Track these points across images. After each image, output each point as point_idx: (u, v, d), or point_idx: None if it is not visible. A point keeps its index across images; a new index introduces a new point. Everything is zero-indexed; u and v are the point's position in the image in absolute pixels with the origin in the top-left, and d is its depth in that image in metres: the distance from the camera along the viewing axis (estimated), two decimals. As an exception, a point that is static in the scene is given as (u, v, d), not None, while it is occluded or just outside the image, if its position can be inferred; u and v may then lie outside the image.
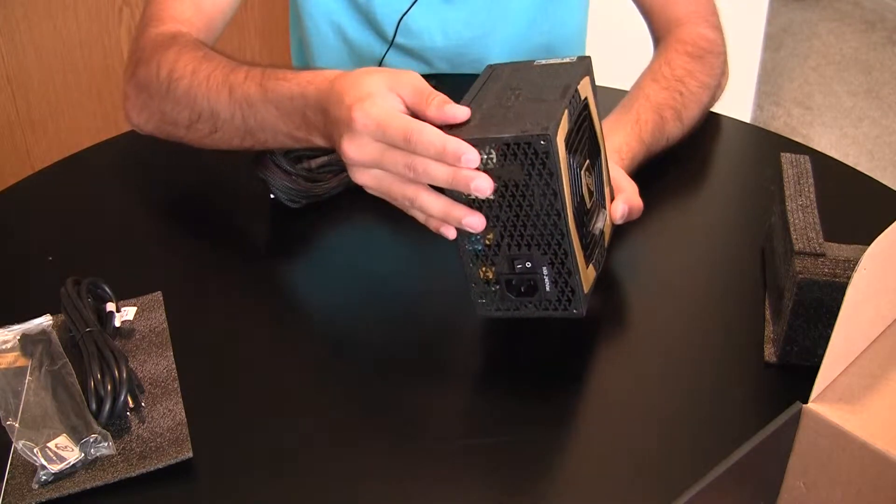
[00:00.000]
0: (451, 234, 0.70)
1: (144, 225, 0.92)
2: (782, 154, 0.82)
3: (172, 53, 0.89)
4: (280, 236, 0.90)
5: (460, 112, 0.68)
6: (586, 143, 0.73)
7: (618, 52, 1.65)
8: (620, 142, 0.88)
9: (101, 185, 0.98)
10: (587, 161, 0.73)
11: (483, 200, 0.68)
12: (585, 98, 0.73)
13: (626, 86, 1.01)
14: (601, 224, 0.75)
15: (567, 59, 0.75)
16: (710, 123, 1.01)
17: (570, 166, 0.68)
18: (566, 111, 0.68)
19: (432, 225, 0.71)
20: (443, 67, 1.15)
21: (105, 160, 1.02)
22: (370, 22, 1.12)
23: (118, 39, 1.89)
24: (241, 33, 2.01)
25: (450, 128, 0.68)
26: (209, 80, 0.85)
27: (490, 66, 0.77)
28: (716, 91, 1.01)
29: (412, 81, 0.70)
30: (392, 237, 0.89)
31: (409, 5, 1.08)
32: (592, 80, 0.75)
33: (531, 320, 0.74)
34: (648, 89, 0.95)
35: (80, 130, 1.93)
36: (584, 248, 0.71)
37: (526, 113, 0.67)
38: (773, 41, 3.08)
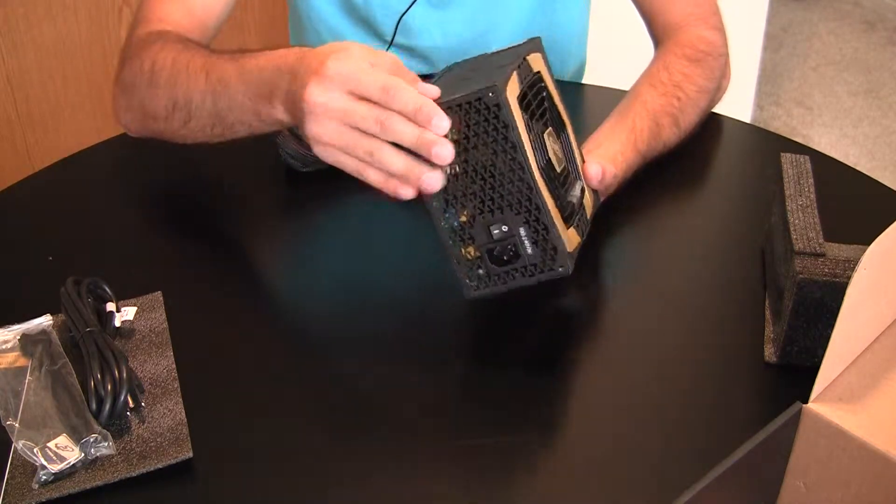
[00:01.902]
0: (408, 193, 0.69)
1: (144, 225, 0.92)
2: (782, 154, 0.82)
3: (157, 47, 0.90)
4: (280, 236, 0.90)
5: (432, 89, 0.69)
6: (546, 113, 0.74)
7: (619, 53, 1.65)
8: (615, 150, 0.87)
9: (101, 185, 0.98)
10: (549, 129, 0.74)
11: (452, 174, 0.69)
12: (538, 72, 0.75)
13: (627, 86, 1.00)
14: (577, 192, 0.76)
15: (518, 43, 0.78)
16: (710, 124, 1.01)
17: (528, 125, 0.70)
18: (514, 73, 0.70)
19: (390, 187, 0.69)
20: (442, 67, 1.15)
21: (105, 160, 1.02)
22: (368, 22, 1.12)
23: (118, 39, 1.89)
24: (240, 33, 2.01)
25: None
26: (188, 67, 0.85)
27: (448, 66, 0.80)
28: (715, 94, 1.01)
29: (391, 56, 0.71)
30: (392, 238, 0.90)
31: (408, 5, 1.08)
32: (546, 59, 0.77)
33: (532, 319, 0.74)
34: (646, 95, 0.95)
35: (80, 130, 1.93)
36: (562, 210, 0.72)
37: (477, 79, 0.70)
38: (773, 41, 3.08)
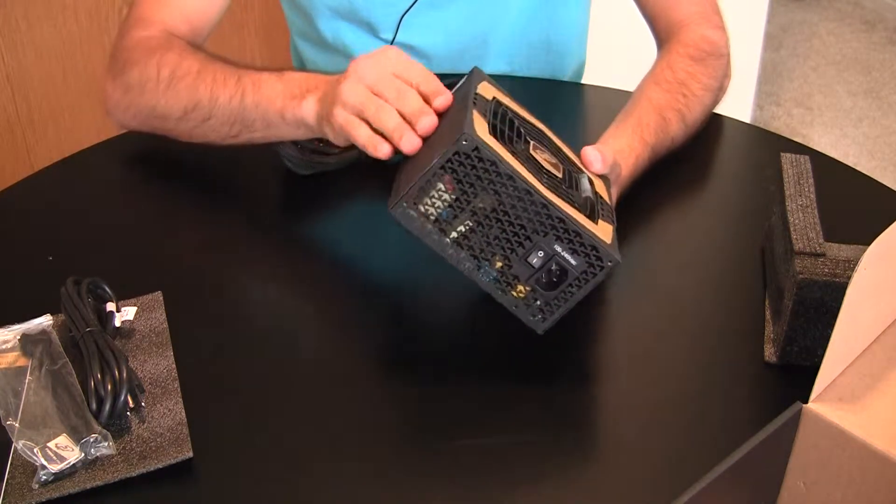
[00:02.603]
0: (383, 151, 0.77)
1: (144, 225, 0.92)
2: (782, 154, 0.82)
3: (174, 55, 0.93)
4: (280, 236, 0.90)
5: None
6: (520, 131, 0.74)
7: (619, 53, 1.65)
8: (622, 145, 0.87)
9: (101, 185, 0.98)
10: (531, 143, 0.74)
11: (468, 231, 0.69)
12: (493, 97, 0.76)
13: (627, 86, 1.00)
14: (587, 185, 0.75)
15: (462, 79, 0.81)
16: (710, 123, 1.01)
17: (512, 148, 0.70)
18: (474, 112, 0.71)
19: (373, 141, 0.77)
20: (443, 66, 1.15)
21: (105, 160, 1.02)
22: (369, 21, 1.12)
23: (118, 39, 1.89)
24: (241, 33, 2.01)
25: (392, 191, 0.73)
26: (216, 73, 0.90)
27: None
28: (718, 93, 1.01)
29: (421, 67, 0.81)
30: (393, 240, 0.89)
31: (409, 4, 1.08)
32: (491, 82, 0.80)
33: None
34: (651, 93, 0.95)
35: (80, 130, 1.93)
36: (582, 209, 0.71)
37: (443, 136, 0.72)
38: (773, 41, 3.08)
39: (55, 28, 1.83)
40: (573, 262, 0.70)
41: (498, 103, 0.75)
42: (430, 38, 1.12)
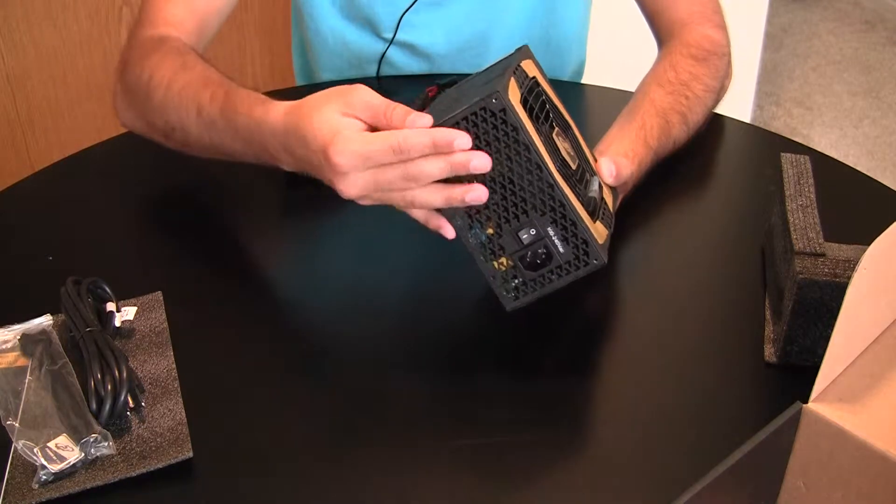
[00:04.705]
0: (450, 233, 0.71)
1: (144, 225, 0.92)
2: (782, 154, 0.82)
3: (155, 60, 0.91)
4: (280, 236, 0.90)
5: (424, 119, 0.69)
6: (549, 114, 0.74)
7: (619, 53, 1.65)
8: (626, 148, 0.86)
9: (101, 185, 0.98)
10: (556, 129, 0.74)
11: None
12: (534, 77, 0.75)
13: (627, 86, 1.00)
14: (596, 187, 0.76)
15: (507, 55, 0.78)
16: (710, 123, 1.01)
17: (536, 126, 0.69)
18: (512, 78, 0.70)
19: (432, 223, 0.72)
20: (443, 65, 1.15)
21: (105, 160, 1.02)
22: (369, 20, 1.12)
23: (118, 39, 1.89)
24: (241, 33, 2.01)
25: None
26: (181, 96, 0.86)
27: (439, 94, 0.80)
28: (719, 93, 1.01)
29: (363, 98, 0.71)
30: (392, 239, 0.89)
31: (410, 2, 1.08)
32: (538, 64, 0.77)
33: (531, 318, 0.74)
34: (653, 94, 0.94)
35: (80, 130, 1.93)
36: (585, 206, 0.71)
37: (474, 93, 0.69)
38: (773, 41, 3.08)
39: (55, 28, 1.83)
40: (561, 249, 0.70)
41: (536, 82, 0.75)
42: (430, 36, 1.12)
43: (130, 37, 0.97)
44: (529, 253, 0.71)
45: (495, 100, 0.66)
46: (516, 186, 0.69)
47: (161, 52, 0.91)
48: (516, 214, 0.69)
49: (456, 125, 0.67)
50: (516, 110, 0.67)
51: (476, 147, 0.68)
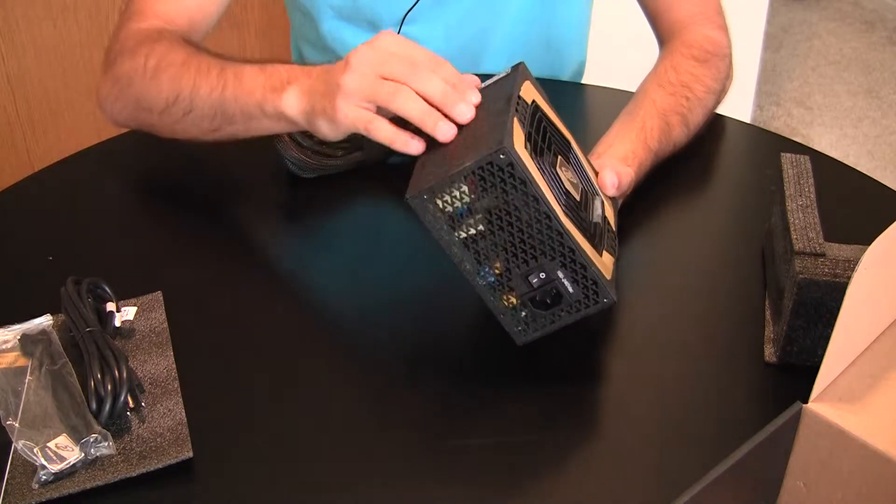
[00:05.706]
0: (415, 148, 0.71)
1: (144, 225, 0.92)
2: (782, 154, 0.82)
3: (163, 46, 0.91)
4: (280, 237, 0.90)
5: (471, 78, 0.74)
6: (551, 142, 0.73)
7: (620, 53, 1.65)
8: (626, 150, 0.86)
9: (101, 185, 0.98)
10: (559, 158, 0.74)
11: (478, 234, 0.69)
12: (533, 101, 0.74)
13: (627, 86, 1.00)
14: (599, 210, 0.75)
15: (503, 73, 0.78)
16: (710, 124, 1.01)
17: (541, 169, 0.69)
18: (515, 119, 0.69)
19: (399, 142, 0.72)
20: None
21: (105, 160, 1.02)
22: (371, 19, 1.12)
23: (118, 39, 1.89)
24: (240, 33, 2.01)
25: (412, 176, 0.70)
26: (200, 65, 0.88)
27: None
28: (720, 95, 1.01)
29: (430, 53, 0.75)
30: (394, 239, 0.90)
31: (412, 3, 1.08)
32: (533, 82, 0.77)
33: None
34: (654, 95, 0.94)
35: (80, 130, 1.93)
36: (591, 238, 0.71)
37: (479, 137, 0.69)
38: (773, 41, 3.08)
39: (55, 28, 1.83)
40: (571, 290, 0.70)
41: (536, 108, 0.74)
42: (430, 35, 1.12)
43: (117, 31, 0.97)
44: (539, 294, 0.70)
45: (502, 155, 0.65)
46: (525, 234, 0.68)
47: (168, 41, 0.92)
48: (525, 260, 0.69)
49: (463, 178, 0.67)
50: (524, 163, 0.66)
51: (483, 195, 0.67)
